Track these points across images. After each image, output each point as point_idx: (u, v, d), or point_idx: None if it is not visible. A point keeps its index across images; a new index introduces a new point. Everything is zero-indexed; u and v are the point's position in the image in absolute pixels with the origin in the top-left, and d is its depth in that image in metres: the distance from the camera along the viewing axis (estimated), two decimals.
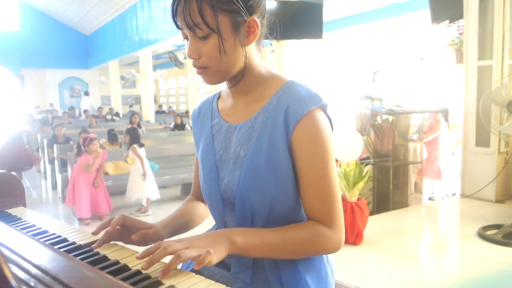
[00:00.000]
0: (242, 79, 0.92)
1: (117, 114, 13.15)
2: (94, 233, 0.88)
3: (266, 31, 0.94)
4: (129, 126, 7.00)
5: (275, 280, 0.89)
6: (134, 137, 4.85)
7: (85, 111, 14.04)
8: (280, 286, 0.88)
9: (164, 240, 0.80)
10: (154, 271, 0.72)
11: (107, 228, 0.87)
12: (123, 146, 6.04)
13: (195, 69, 0.90)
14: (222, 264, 0.97)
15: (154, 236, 0.91)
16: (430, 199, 5.16)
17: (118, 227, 0.89)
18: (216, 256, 0.76)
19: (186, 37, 0.89)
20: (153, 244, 0.76)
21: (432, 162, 5.34)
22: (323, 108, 0.89)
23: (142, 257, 0.75)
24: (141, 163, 4.80)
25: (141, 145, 4.90)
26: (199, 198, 1.12)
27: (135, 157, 4.80)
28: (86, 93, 15.40)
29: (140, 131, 6.65)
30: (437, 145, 5.39)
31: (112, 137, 6.22)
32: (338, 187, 0.90)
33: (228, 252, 0.79)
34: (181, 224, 1.02)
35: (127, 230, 0.90)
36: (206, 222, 1.13)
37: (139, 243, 0.89)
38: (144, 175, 4.79)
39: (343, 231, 0.89)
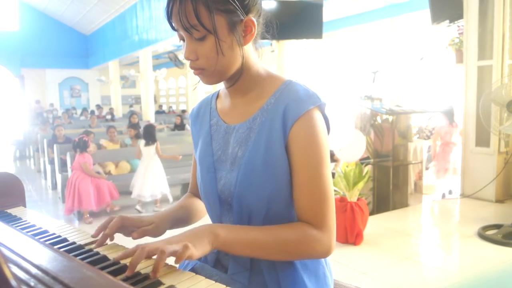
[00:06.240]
0: (240, 79, 0.92)
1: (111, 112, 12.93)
2: (94, 236, 0.87)
3: (262, 30, 0.93)
4: (130, 127, 6.99)
5: (273, 281, 0.88)
6: (152, 134, 5.10)
7: (85, 110, 14.04)
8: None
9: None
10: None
11: (105, 232, 0.85)
12: (126, 143, 6.09)
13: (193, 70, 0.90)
14: (219, 266, 0.96)
15: (155, 231, 0.90)
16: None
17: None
18: (198, 250, 0.74)
19: (182, 39, 0.88)
20: (131, 248, 0.74)
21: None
22: (321, 108, 0.89)
23: (119, 259, 0.74)
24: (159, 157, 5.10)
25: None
26: (196, 195, 1.12)
27: (155, 153, 5.04)
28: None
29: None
30: (441, 145, 5.37)
31: (111, 128, 6.25)
32: (332, 189, 0.88)
33: (212, 245, 0.78)
34: (181, 216, 1.01)
35: (127, 230, 0.89)
36: (204, 222, 1.13)
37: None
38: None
39: (333, 234, 0.86)
